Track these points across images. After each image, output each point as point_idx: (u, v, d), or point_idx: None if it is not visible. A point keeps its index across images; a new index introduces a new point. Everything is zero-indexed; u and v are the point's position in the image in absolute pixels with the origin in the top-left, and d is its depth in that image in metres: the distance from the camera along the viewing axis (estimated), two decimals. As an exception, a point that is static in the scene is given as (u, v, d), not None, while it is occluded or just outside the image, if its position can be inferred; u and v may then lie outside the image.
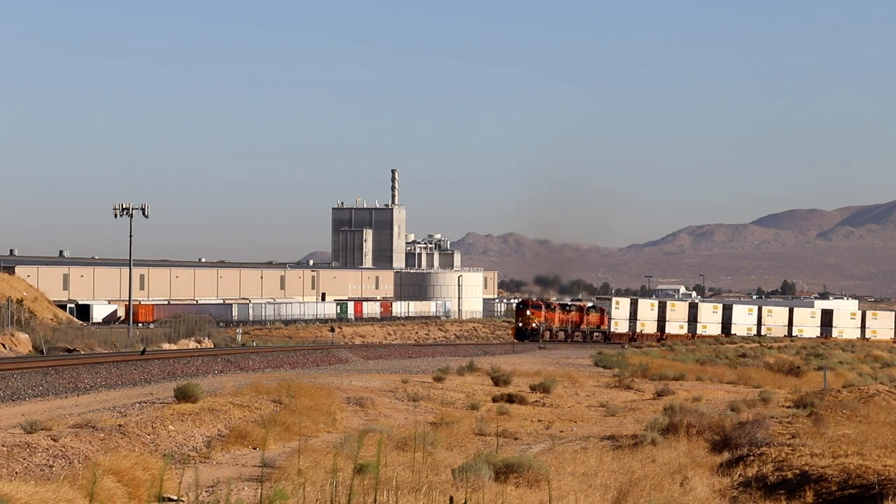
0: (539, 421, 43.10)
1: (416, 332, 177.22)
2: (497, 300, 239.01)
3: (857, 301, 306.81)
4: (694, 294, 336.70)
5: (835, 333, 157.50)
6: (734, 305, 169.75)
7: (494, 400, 49.69)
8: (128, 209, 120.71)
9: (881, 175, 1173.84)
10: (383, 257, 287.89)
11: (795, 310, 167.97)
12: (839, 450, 28.93)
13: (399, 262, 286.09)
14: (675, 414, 37.67)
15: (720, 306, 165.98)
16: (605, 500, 24.26)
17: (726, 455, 30.85)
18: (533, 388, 54.84)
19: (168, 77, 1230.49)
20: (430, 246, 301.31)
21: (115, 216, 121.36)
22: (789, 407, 45.64)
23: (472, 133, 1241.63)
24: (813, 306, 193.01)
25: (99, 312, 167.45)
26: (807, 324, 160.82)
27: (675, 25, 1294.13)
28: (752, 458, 29.62)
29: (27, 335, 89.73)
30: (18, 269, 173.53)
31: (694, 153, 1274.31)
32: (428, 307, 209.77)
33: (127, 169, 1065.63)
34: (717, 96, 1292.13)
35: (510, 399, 49.93)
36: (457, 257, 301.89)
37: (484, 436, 36.19)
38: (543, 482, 24.93)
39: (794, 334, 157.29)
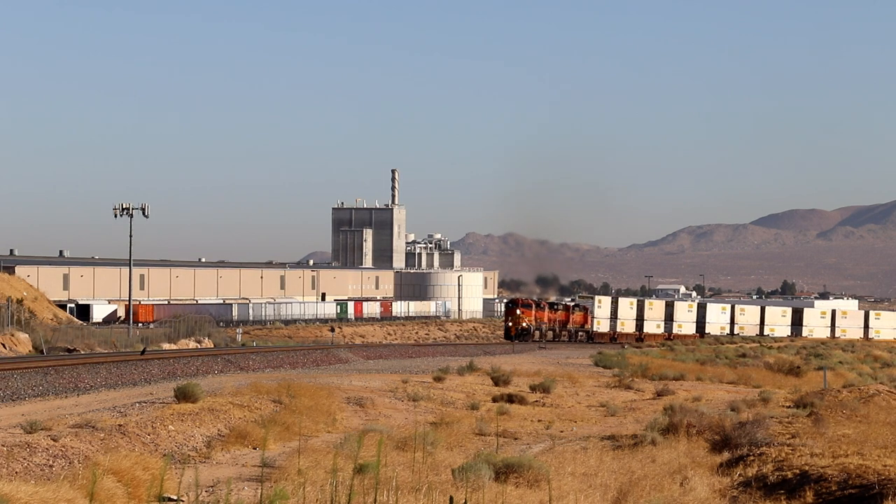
0: (539, 421, 43.09)
1: (416, 332, 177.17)
2: (497, 300, 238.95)
3: (857, 301, 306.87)
4: (694, 294, 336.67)
5: (804, 332, 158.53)
6: (708, 304, 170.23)
7: (494, 400, 49.68)
8: (128, 209, 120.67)
9: (881, 175, 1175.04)
10: (383, 257, 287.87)
11: (767, 309, 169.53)
12: (839, 450, 28.93)
13: (399, 262, 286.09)
14: (675, 414, 37.67)
15: (695, 305, 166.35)
16: (605, 500, 24.26)
17: (726, 455, 30.84)
18: (533, 388, 54.84)
19: (168, 77, 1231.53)
20: (430, 246, 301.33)
21: (115, 216, 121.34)
22: (789, 407, 45.63)
23: (473, 133, 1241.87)
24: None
25: (99, 312, 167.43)
26: (778, 323, 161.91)
27: (676, 25, 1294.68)
28: (752, 457, 29.62)
29: (27, 335, 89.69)
30: (18, 269, 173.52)
31: (694, 153, 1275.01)
32: (428, 307, 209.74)
33: (127, 169, 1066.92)
34: (717, 96, 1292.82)
35: (510, 399, 49.93)
36: (457, 257, 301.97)
37: (484, 436, 36.18)
38: (543, 482, 24.93)
39: (765, 333, 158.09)
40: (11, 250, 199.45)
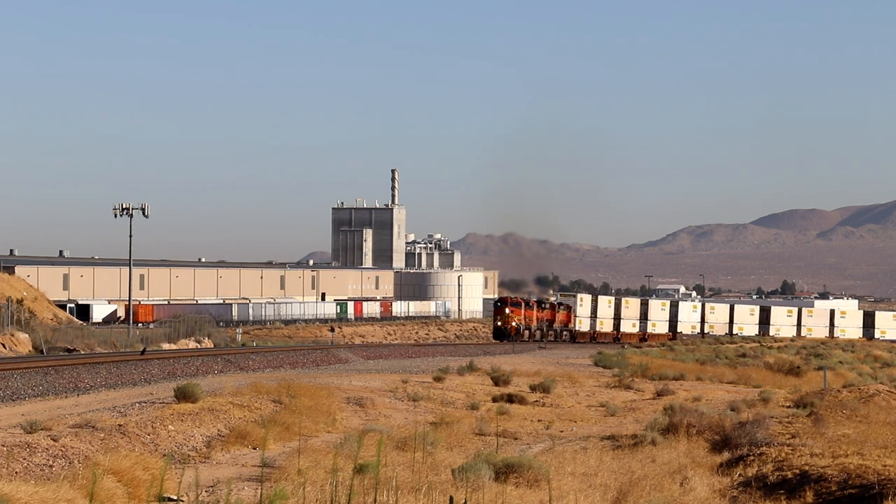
0: (539, 421, 43.09)
1: (416, 332, 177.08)
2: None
3: (857, 301, 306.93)
4: (694, 294, 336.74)
5: (772, 331, 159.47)
6: (680, 303, 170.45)
7: (494, 400, 49.68)
8: (128, 209, 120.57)
9: (881, 175, 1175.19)
10: (383, 257, 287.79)
11: (735, 307, 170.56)
12: (839, 450, 28.92)
13: (399, 262, 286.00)
14: (675, 414, 37.67)
15: (668, 303, 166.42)
16: (605, 500, 24.26)
17: (726, 455, 30.84)
18: (533, 388, 54.84)
19: (168, 77, 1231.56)
20: (430, 246, 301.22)
21: (115, 216, 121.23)
22: (789, 407, 45.64)
23: (473, 133, 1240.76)
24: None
25: (99, 312, 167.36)
26: (746, 321, 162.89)
27: (676, 25, 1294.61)
28: (752, 457, 29.61)
29: (27, 335, 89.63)
30: (18, 269, 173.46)
31: (694, 153, 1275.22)
32: (428, 307, 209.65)
33: (127, 169, 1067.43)
34: (717, 96, 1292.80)
35: (510, 399, 49.92)
36: (457, 257, 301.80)
37: (484, 436, 36.18)
38: (543, 482, 24.93)
39: (734, 332, 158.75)
40: (11, 250, 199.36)
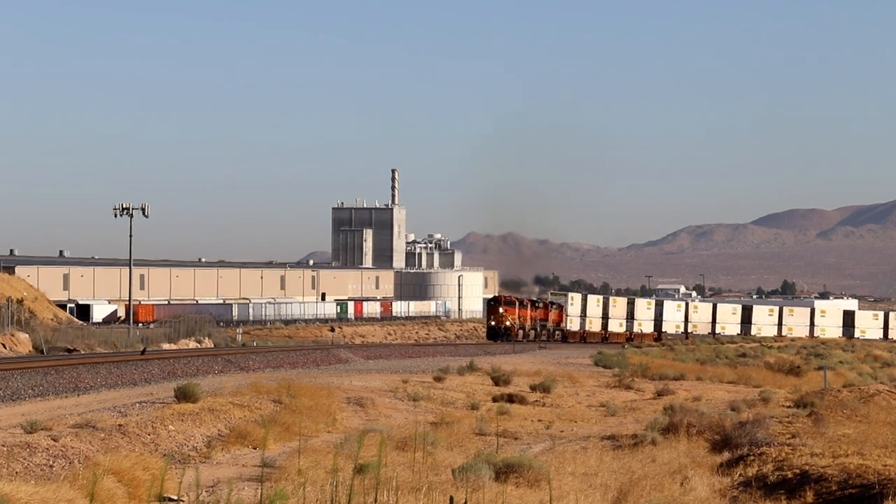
0: (539, 421, 43.10)
1: (416, 332, 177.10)
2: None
3: (856, 301, 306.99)
4: (694, 294, 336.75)
5: (753, 331, 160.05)
6: (665, 302, 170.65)
7: (494, 400, 49.70)
8: (128, 209, 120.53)
9: (881, 175, 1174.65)
10: (383, 257, 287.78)
11: (719, 307, 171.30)
12: (839, 449, 28.92)
13: (399, 261, 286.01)
14: (675, 414, 37.69)
15: (653, 302, 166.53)
16: (605, 500, 24.26)
17: (726, 455, 30.84)
18: (533, 388, 54.86)
19: (168, 77, 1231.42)
20: (430, 246, 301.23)
21: (115, 216, 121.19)
22: (789, 407, 45.66)
23: (473, 133, 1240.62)
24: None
25: (99, 312, 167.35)
26: (728, 321, 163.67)
27: (676, 25, 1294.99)
28: (752, 457, 29.61)
29: (27, 335, 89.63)
30: (18, 269, 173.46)
31: (694, 153, 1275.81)
32: (428, 307, 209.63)
33: (127, 169, 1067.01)
34: (717, 96, 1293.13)
35: (510, 399, 49.94)
36: (457, 257, 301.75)
37: (484, 436, 36.18)
38: (543, 482, 24.93)
39: (717, 332, 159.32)
40: (11, 250, 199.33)
